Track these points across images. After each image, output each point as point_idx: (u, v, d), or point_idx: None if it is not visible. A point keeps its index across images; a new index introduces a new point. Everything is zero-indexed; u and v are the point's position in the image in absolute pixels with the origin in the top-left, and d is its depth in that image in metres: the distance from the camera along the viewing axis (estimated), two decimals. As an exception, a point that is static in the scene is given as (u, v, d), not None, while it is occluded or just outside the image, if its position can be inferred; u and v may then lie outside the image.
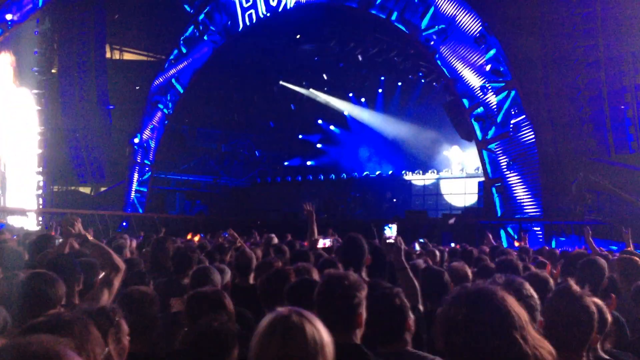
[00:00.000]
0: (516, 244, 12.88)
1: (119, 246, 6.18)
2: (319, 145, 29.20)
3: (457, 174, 22.83)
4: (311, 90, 26.93)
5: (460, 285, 1.87)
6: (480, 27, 15.74)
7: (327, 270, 2.83)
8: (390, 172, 24.86)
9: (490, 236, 9.73)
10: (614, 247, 10.42)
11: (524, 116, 15.30)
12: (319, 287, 2.66)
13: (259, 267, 4.55)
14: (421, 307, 3.68)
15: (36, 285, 2.93)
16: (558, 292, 2.75)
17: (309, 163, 29.27)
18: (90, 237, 3.71)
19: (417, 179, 23.92)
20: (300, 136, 29.87)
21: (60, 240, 4.83)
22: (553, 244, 13.85)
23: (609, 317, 2.77)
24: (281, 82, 26.22)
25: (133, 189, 24.79)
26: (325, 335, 1.82)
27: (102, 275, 3.53)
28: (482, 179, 18.12)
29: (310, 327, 1.79)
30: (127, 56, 28.65)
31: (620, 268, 4.61)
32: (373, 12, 18.28)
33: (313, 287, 2.80)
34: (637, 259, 4.65)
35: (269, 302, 3.26)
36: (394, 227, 5.45)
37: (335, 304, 2.53)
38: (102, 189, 26.93)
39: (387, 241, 4.02)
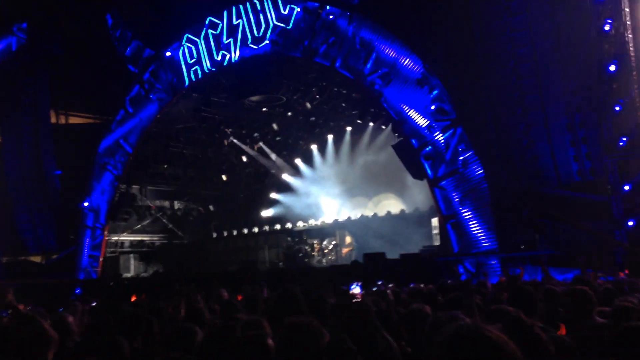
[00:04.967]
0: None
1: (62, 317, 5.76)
2: (273, 195, 28.94)
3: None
4: (261, 144, 26.84)
5: (453, 322, 1.78)
6: (421, 69, 16.11)
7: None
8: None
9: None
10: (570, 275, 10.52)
11: (471, 152, 15.55)
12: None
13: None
14: None
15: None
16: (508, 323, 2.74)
17: (264, 214, 28.98)
18: (20, 307, 3.49)
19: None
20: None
21: None
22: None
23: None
24: (232, 139, 26.06)
25: (85, 255, 24.03)
26: None
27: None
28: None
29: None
30: (73, 120, 28.21)
31: (572, 299, 4.59)
32: (317, 60, 18.56)
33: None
34: (587, 289, 4.64)
35: None
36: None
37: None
38: (53, 256, 25.97)
39: (354, 301, 4.06)
